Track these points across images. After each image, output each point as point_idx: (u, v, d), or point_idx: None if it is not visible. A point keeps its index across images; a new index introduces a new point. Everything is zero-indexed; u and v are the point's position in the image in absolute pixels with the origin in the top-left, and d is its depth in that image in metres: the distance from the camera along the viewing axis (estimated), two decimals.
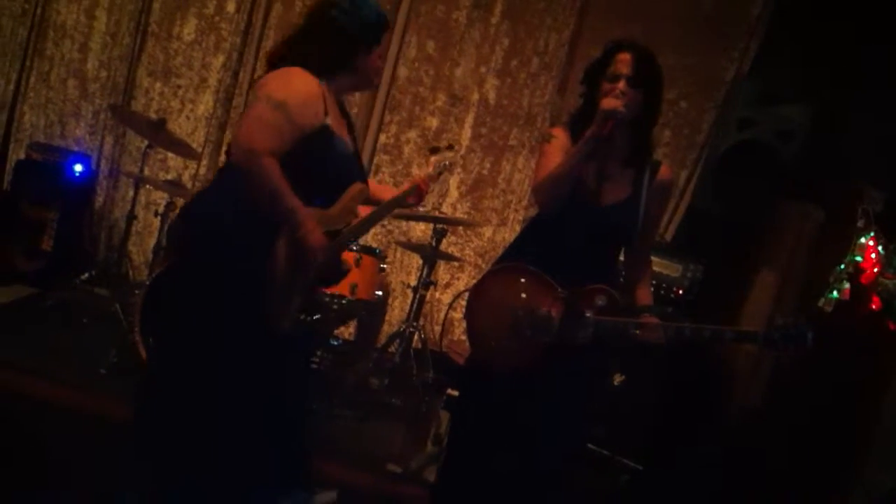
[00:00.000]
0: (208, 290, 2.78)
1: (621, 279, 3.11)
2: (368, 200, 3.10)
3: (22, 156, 5.94)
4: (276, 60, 2.85)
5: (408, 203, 3.24)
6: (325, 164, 2.81)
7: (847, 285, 4.36)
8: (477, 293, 3.07)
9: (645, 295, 3.06)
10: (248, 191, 2.66)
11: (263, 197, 2.65)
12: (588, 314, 2.81)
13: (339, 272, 3.08)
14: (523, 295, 2.92)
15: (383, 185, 3.51)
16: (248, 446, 2.89)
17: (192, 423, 2.79)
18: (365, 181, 3.03)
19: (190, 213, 2.95)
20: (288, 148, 2.67)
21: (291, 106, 2.66)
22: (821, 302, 4.39)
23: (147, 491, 2.85)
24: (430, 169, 3.29)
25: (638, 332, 2.81)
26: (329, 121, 2.78)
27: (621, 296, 2.88)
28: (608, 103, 2.79)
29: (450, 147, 3.42)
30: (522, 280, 2.95)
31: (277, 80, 2.74)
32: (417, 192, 3.20)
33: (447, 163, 3.37)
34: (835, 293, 4.38)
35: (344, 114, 3.02)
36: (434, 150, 3.38)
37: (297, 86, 2.71)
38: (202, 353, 2.79)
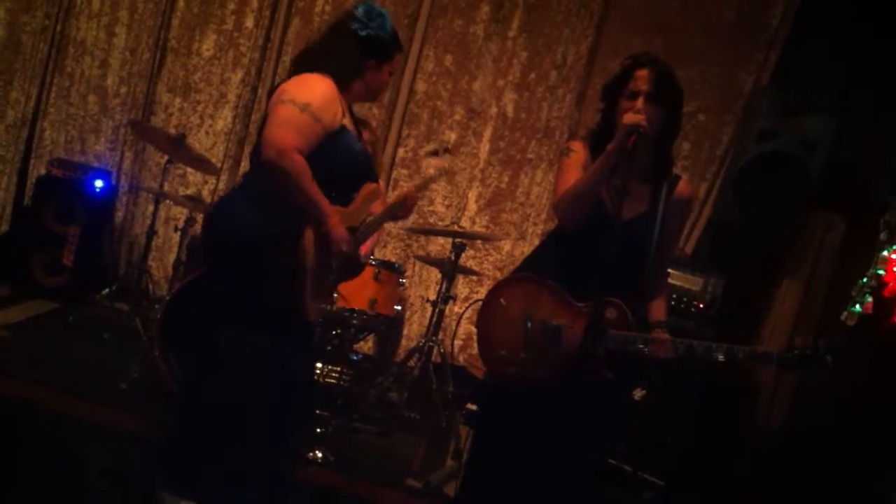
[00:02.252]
0: (245, 285, 2.91)
1: (640, 294, 3.08)
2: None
3: (43, 172, 5.98)
4: (298, 65, 3.04)
5: (397, 216, 3.40)
6: (344, 162, 2.99)
7: (870, 299, 4.33)
8: (488, 303, 3.06)
9: (659, 310, 3.02)
10: (279, 188, 2.82)
11: (295, 192, 2.81)
12: (597, 327, 2.79)
13: (359, 265, 3.26)
14: (534, 306, 2.92)
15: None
16: (281, 432, 3.05)
17: (240, 416, 2.92)
18: (377, 182, 3.22)
19: (215, 216, 3.08)
20: (313, 147, 2.84)
21: (316, 107, 2.83)
22: (843, 315, 4.36)
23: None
24: (432, 171, 3.46)
25: (648, 346, 2.80)
26: (346, 122, 2.97)
27: (634, 310, 2.86)
28: (630, 118, 2.78)
29: (446, 150, 3.55)
30: (534, 291, 2.94)
31: (299, 85, 2.91)
32: (405, 206, 3.34)
33: (447, 166, 3.52)
34: (857, 307, 4.34)
35: (354, 119, 3.17)
36: (433, 154, 3.52)
37: (319, 88, 2.89)
38: (245, 347, 2.90)
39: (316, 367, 4.51)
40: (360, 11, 3.02)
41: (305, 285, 2.88)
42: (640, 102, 2.82)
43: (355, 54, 3.01)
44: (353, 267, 3.19)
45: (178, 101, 6.15)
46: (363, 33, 2.99)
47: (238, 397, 2.92)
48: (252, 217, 2.89)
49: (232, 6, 6.03)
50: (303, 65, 3.02)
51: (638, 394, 4.29)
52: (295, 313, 2.90)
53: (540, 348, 2.87)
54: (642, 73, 2.85)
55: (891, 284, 4.33)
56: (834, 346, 2.63)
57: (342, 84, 2.98)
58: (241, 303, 2.92)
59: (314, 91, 2.86)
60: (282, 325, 2.91)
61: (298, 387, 3.10)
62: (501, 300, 3.01)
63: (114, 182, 6.10)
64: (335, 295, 4.47)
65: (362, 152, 3.07)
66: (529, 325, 2.89)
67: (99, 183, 5.73)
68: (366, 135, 5.11)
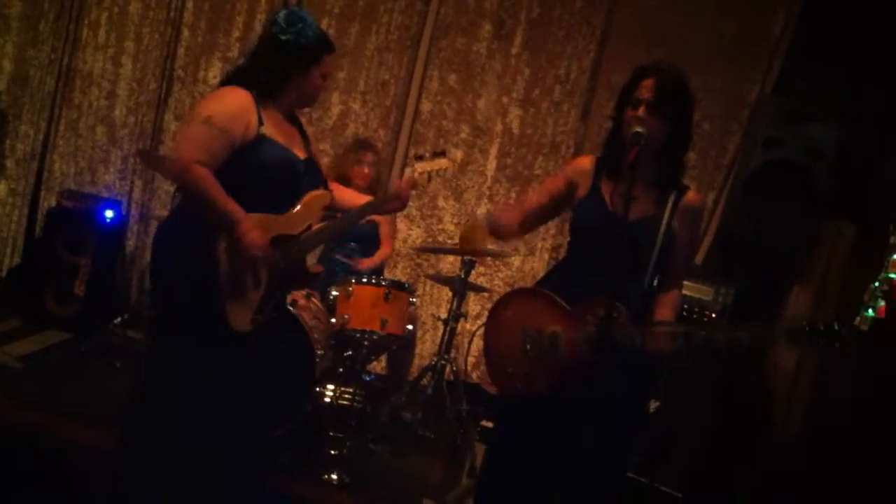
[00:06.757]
0: (168, 296, 3.00)
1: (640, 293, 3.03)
2: (334, 208, 3.30)
3: (53, 203, 6.02)
4: (222, 80, 3.11)
5: (389, 209, 3.42)
6: (264, 171, 2.98)
7: (882, 303, 4.29)
8: (489, 323, 3.08)
9: (664, 312, 2.96)
10: (189, 200, 2.93)
11: (199, 203, 2.86)
12: (589, 326, 2.77)
13: (303, 275, 3.24)
14: (530, 317, 2.92)
15: (359, 193, 3.64)
16: (209, 447, 3.00)
17: (149, 416, 2.99)
18: (326, 188, 3.22)
19: (155, 235, 3.18)
20: (222, 158, 2.88)
21: (218, 119, 2.86)
22: (856, 320, 4.32)
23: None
24: (416, 175, 3.39)
25: (642, 340, 2.75)
26: (265, 130, 2.96)
27: (627, 308, 2.81)
28: (633, 127, 2.81)
29: (441, 153, 3.47)
30: (529, 302, 2.96)
31: (207, 99, 3.04)
32: (398, 198, 3.32)
33: (437, 170, 3.43)
34: (870, 311, 4.31)
35: (296, 125, 3.19)
36: (419, 158, 3.44)
37: (224, 101, 2.93)
38: (170, 358, 2.99)
39: (321, 388, 4.49)
40: (280, 16, 3.00)
41: (220, 293, 2.88)
42: (641, 111, 2.83)
43: (278, 61, 3.00)
44: (296, 275, 3.20)
45: None
46: (283, 38, 2.97)
47: (149, 399, 3.01)
48: (173, 229, 3.00)
49: (236, 34, 6.08)
50: (226, 78, 3.06)
51: (652, 405, 4.27)
52: (218, 322, 2.89)
53: (539, 358, 2.87)
54: (647, 83, 2.86)
55: None
56: (848, 324, 2.52)
57: (267, 92, 2.99)
58: (164, 310, 3.04)
59: (218, 104, 2.91)
60: (202, 334, 2.92)
61: (238, 395, 3.03)
62: (500, 317, 3.03)
63: (124, 211, 6.14)
64: (323, 310, 4.49)
65: (289, 160, 3.04)
66: (527, 336, 2.89)
67: (109, 213, 5.76)
68: (368, 156, 5.17)
